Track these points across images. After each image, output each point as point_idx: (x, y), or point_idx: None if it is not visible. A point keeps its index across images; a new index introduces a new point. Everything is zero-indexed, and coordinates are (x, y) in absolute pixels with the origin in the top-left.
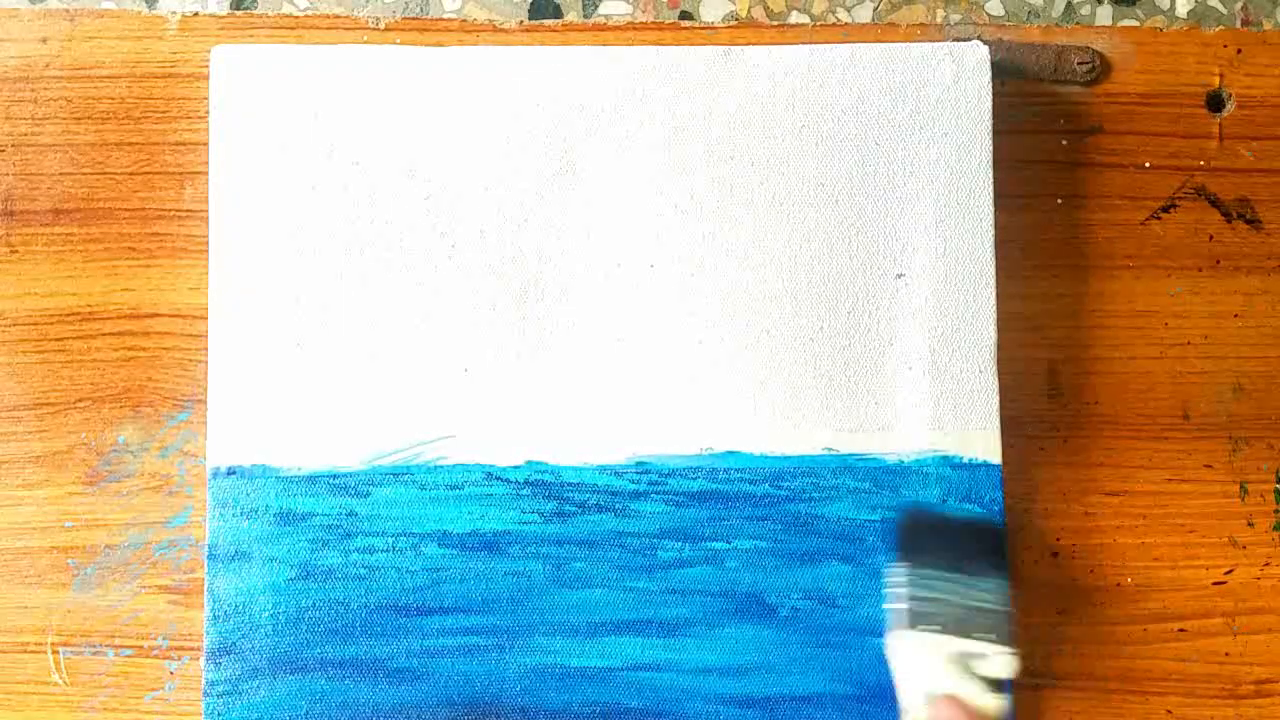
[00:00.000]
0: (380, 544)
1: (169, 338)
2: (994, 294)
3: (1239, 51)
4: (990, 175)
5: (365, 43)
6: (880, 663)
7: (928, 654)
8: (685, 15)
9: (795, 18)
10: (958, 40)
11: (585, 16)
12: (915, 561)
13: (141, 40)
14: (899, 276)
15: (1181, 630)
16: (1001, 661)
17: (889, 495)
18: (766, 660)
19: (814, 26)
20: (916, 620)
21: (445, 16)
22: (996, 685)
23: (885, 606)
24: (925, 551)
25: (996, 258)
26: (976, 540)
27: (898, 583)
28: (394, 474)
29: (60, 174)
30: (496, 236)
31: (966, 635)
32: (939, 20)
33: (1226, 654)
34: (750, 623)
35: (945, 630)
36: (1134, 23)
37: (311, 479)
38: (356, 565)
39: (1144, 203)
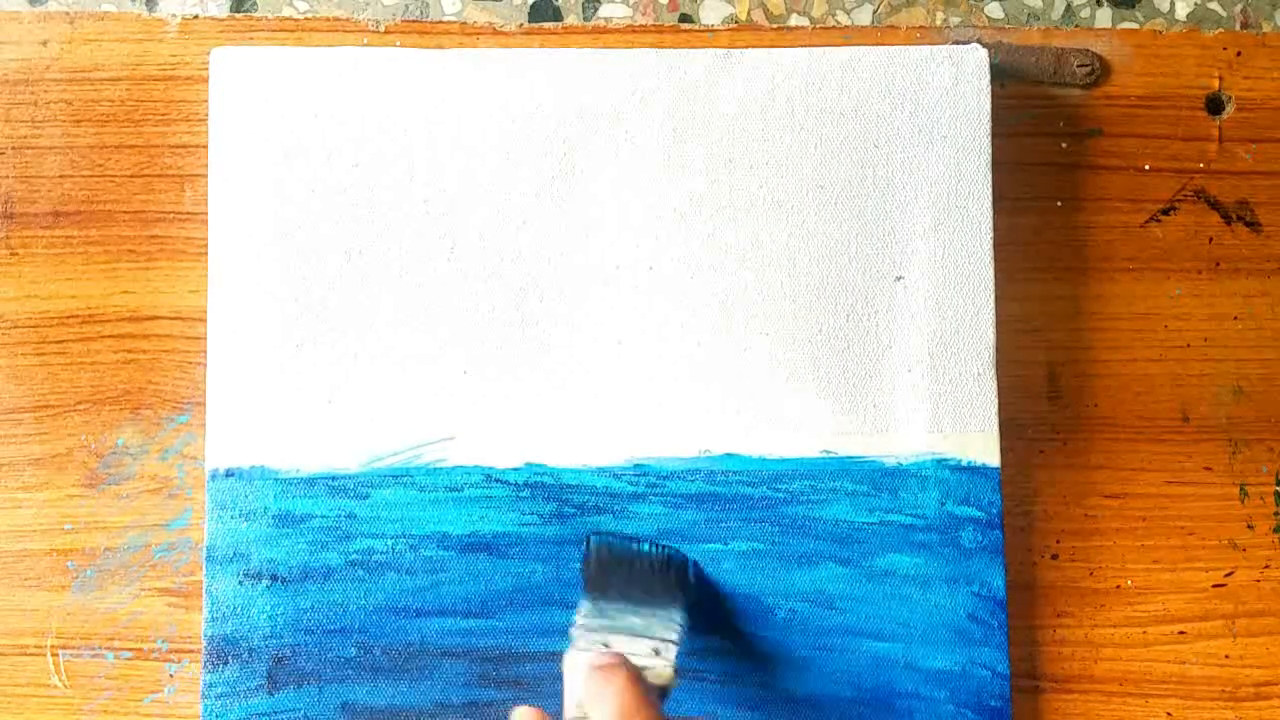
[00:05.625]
0: (379, 546)
1: (169, 340)
2: (993, 296)
3: (1238, 54)
4: (989, 178)
5: (365, 45)
6: (878, 665)
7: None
8: (685, 18)
9: (795, 20)
10: (957, 43)
11: (585, 19)
12: (601, 594)
13: (141, 43)
14: (898, 279)
15: (1181, 633)
16: (660, 669)
17: (887, 498)
18: (764, 663)
19: (813, 29)
20: (586, 642)
21: (445, 19)
22: (657, 690)
23: (570, 632)
24: (614, 586)
25: (996, 260)
26: (663, 578)
27: (582, 613)
28: (393, 476)
29: (60, 176)
30: (496, 238)
31: (632, 653)
32: (939, 23)
33: (1226, 656)
34: (748, 625)
35: (609, 649)
36: (1134, 25)
37: (310, 481)
38: (355, 567)
39: (1143, 205)
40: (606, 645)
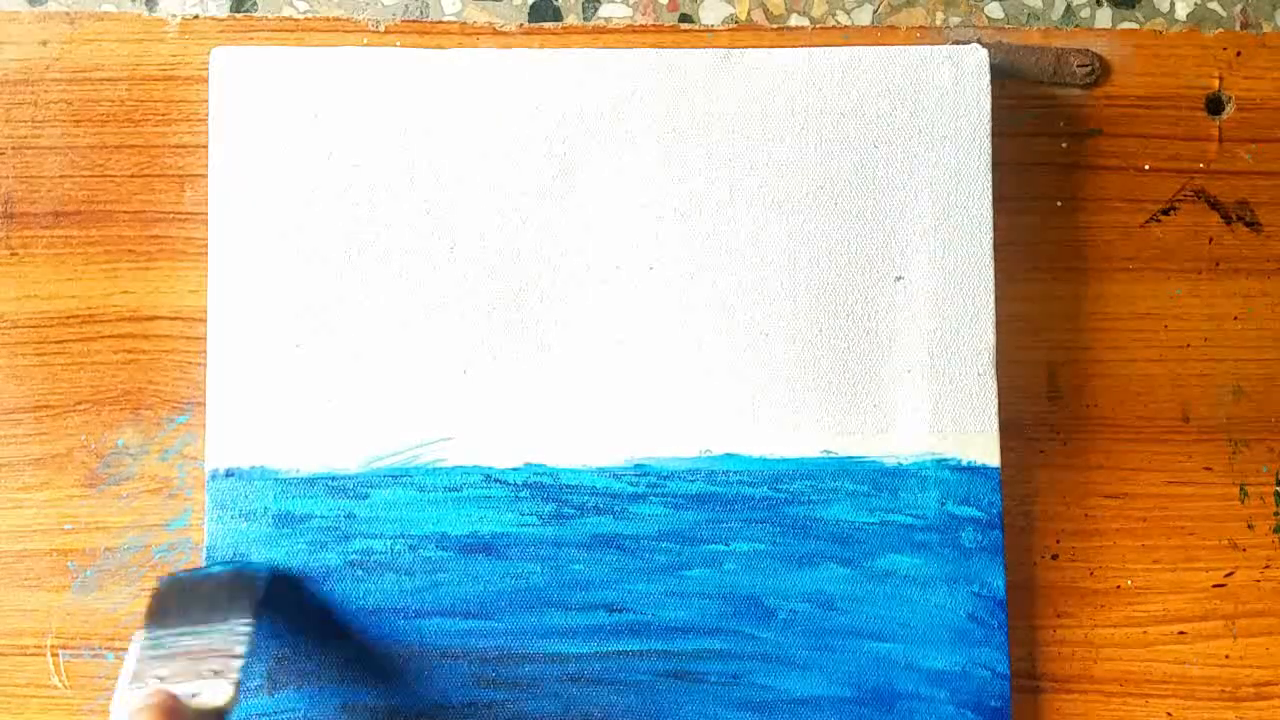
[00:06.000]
0: (379, 546)
1: (169, 340)
2: (993, 296)
3: (1238, 54)
4: (989, 178)
5: (365, 45)
6: (879, 666)
7: (133, 705)
8: (685, 18)
9: (795, 20)
10: (957, 43)
11: (585, 19)
12: (159, 625)
13: (142, 43)
14: (898, 279)
15: (1181, 633)
16: (216, 690)
17: (888, 498)
18: (765, 663)
19: (813, 29)
20: (139, 678)
21: (445, 19)
22: (215, 714)
23: (121, 673)
24: (173, 613)
25: (996, 260)
26: (230, 590)
27: (134, 649)
28: (392, 476)
29: (60, 176)
30: (496, 238)
31: (189, 679)
32: (938, 23)
33: (1226, 656)
34: (748, 626)
35: (166, 681)
36: (1133, 25)
37: (310, 481)
38: (355, 567)
39: (1143, 205)
40: (161, 679)
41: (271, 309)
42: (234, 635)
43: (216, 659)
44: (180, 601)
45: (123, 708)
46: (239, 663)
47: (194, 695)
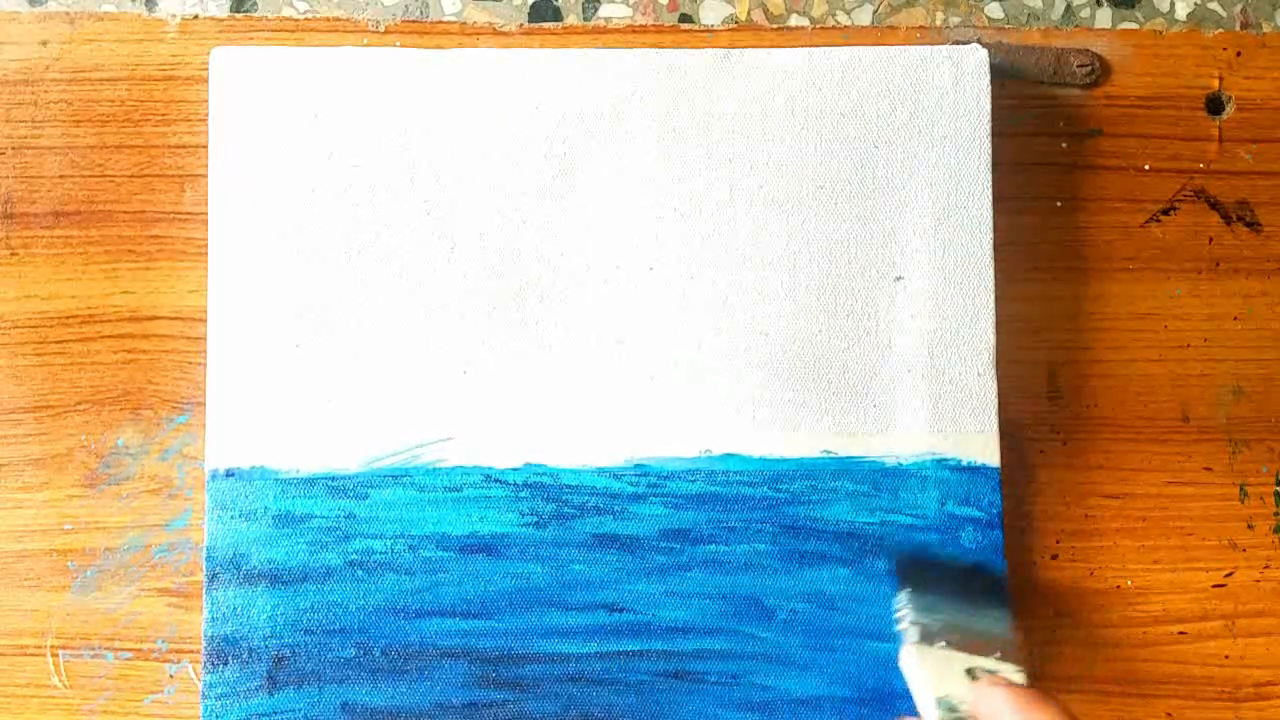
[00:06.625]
0: (379, 546)
1: (169, 340)
2: (993, 296)
3: (1238, 54)
4: (989, 178)
5: (365, 45)
6: (879, 666)
7: (941, 666)
8: (685, 18)
9: (795, 20)
10: (957, 43)
11: (585, 19)
12: (919, 591)
13: (141, 43)
14: (898, 279)
15: (1181, 633)
16: (1011, 676)
17: (888, 498)
18: (764, 663)
19: (813, 29)
20: (926, 638)
21: (445, 19)
22: None
23: (897, 629)
24: (928, 585)
25: (996, 260)
26: (978, 580)
27: (906, 606)
28: (392, 476)
29: (60, 176)
30: (496, 238)
31: (976, 653)
32: (938, 23)
33: (1226, 656)
34: (749, 625)
35: (954, 647)
36: (1134, 25)
37: (310, 481)
38: (355, 568)
39: (1143, 205)
40: (947, 644)
41: (271, 309)
42: (1002, 622)
43: (991, 640)
44: (930, 576)
45: (930, 665)
46: (1016, 651)
47: (991, 672)
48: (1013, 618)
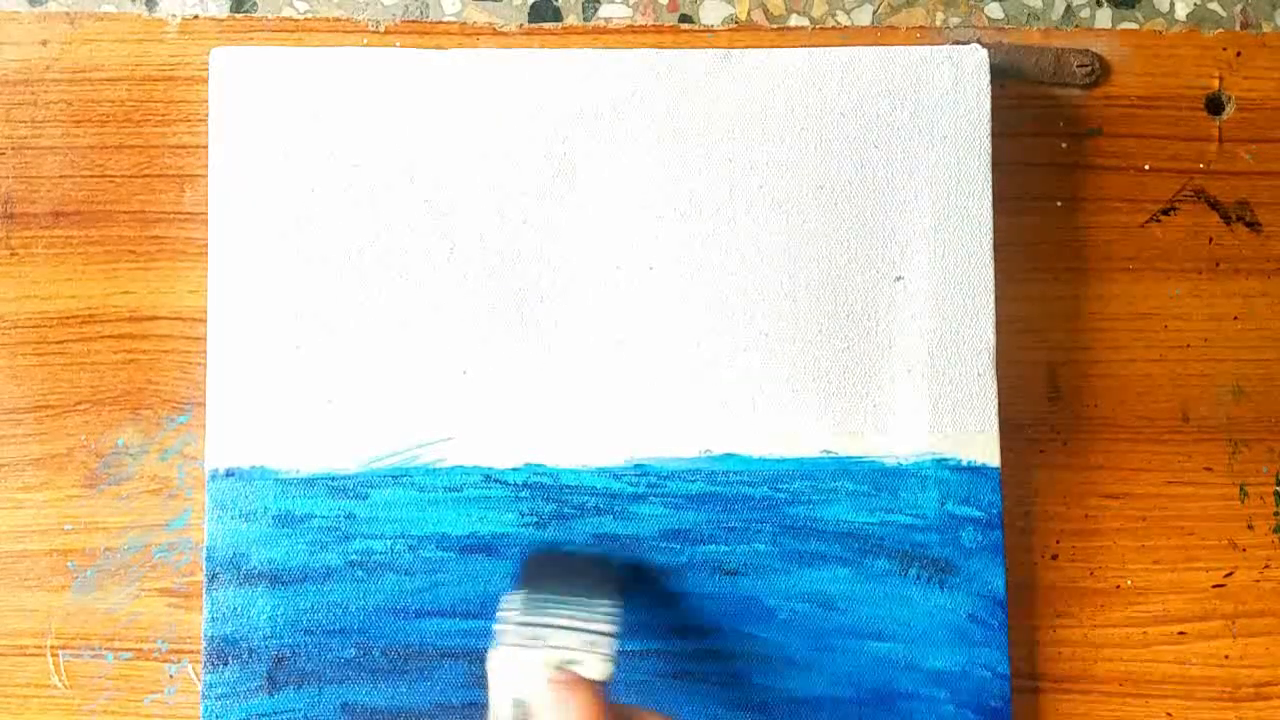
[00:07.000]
0: (379, 546)
1: (169, 340)
2: (993, 296)
3: (1238, 54)
4: (989, 178)
5: (365, 45)
6: (879, 666)
7: (527, 667)
8: (685, 18)
9: (795, 21)
10: (957, 43)
11: (585, 19)
12: (535, 589)
13: (141, 43)
14: (898, 279)
15: (1181, 633)
16: (594, 665)
17: (888, 498)
18: (764, 663)
19: (813, 29)
20: (519, 638)
21: (445, 20)
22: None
23: (494, 629)
24: (544, 583)
25: (995, 260)
26: (594, 573)
27: (510, 608)
28: (392, 476)
29: (60, 177)
30: (496, 238)
31: (567, 648)
32: (938, 23)
33: (1226, 656)
34: (749, 626)
35: (545, 645)
36: (1133, 25)
37: (310, 481)
38: (355, 568)
39: (1143, 205)
40: (537, 640)
41: (271, 309)
42: (604, 614)
43: (590, 634)
44: (552, 572)
45: (513, 666)
46: (613, 641)
47: (573, 664)
48: (622, 606)
